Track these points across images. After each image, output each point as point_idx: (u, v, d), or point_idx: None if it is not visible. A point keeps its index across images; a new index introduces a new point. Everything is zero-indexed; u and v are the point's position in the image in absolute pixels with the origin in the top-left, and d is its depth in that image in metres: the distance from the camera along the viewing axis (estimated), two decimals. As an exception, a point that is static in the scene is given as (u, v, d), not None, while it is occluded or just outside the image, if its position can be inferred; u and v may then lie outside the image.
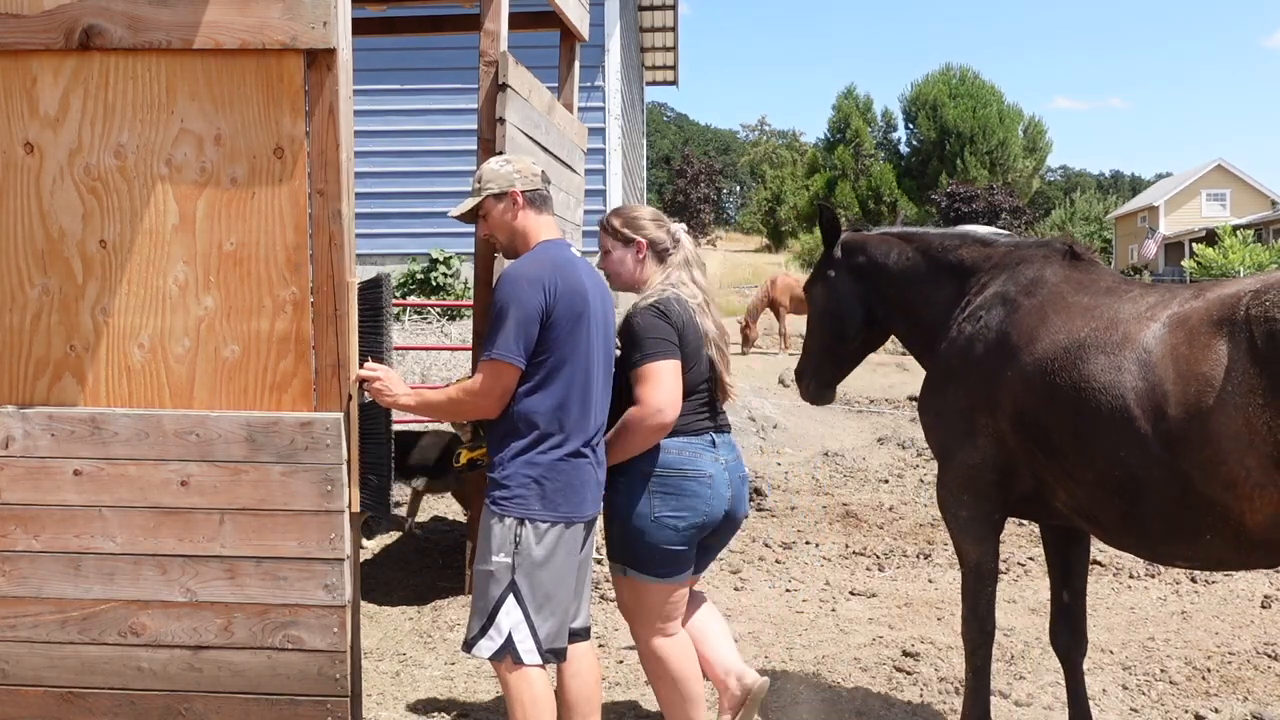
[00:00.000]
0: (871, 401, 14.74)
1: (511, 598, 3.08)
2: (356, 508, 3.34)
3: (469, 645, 3.16)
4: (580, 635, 3.35)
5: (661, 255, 3.49)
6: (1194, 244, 38.09)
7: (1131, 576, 6.13)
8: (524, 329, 3.07)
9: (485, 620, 3.11)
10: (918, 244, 4.05)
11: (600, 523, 3.41)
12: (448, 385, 3.44)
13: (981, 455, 3.51)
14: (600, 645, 4.81)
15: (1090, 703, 4.33)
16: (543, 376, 3.11)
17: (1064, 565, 3.81)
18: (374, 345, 3.39)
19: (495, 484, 3.14)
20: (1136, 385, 3.07)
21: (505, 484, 3.12)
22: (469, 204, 3.34)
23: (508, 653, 3.09)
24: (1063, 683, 4.55)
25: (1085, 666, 4.70)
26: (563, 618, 3.19)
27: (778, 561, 6.56)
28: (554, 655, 3.17)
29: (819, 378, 4.32)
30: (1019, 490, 3.53)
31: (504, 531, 3.10)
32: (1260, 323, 2.89)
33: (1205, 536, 3.07)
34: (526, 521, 3.09)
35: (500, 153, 4.41)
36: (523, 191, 3.27)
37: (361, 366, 3.35)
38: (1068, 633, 3.82)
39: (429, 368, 11.27)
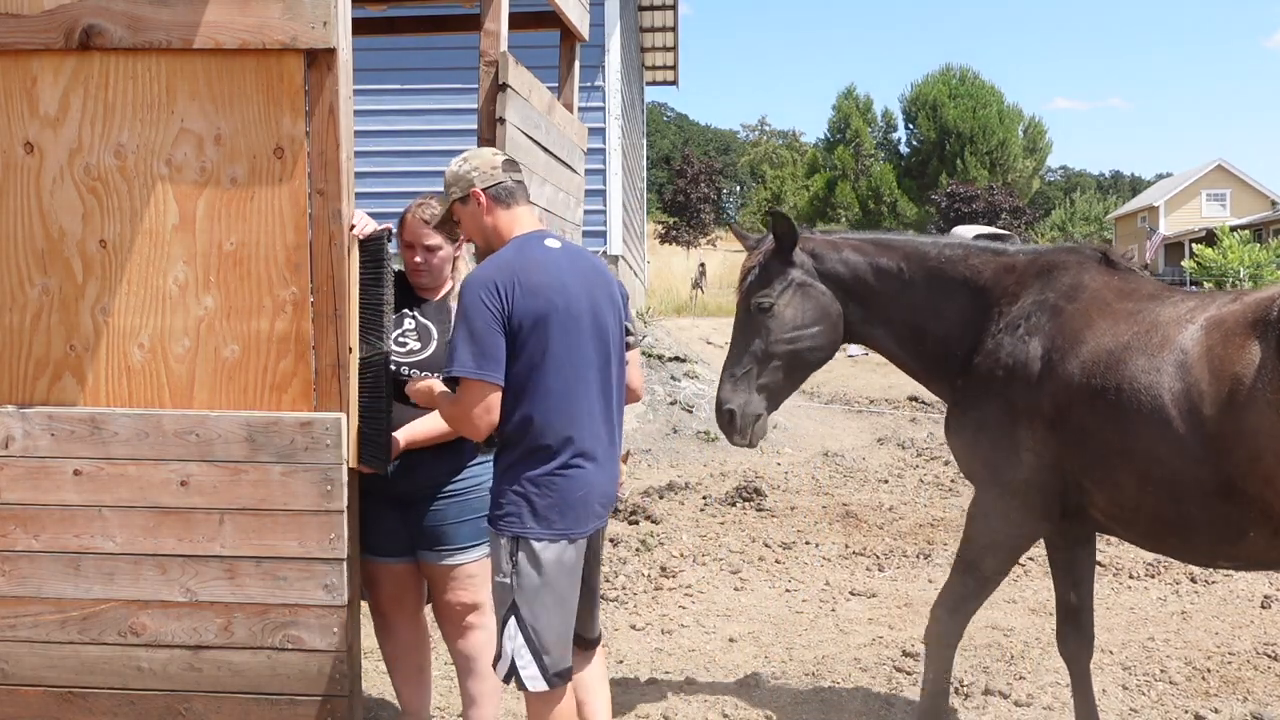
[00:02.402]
0: (871, 401, 14.74)
1: (513, 620, 2.95)
2: (355, 463, 3.32)
3: (494, 665, 3.08)
4: (591, 644, 3.28)
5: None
6: (1194, 244, 38.10)
7: (1131, 577, 6.13)
8: (480, 339, 2.86)
9: (498, 640, 3.02)
10: (906, 252, 3.83)
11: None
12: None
13: (1027, 469, 3.44)
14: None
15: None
16: (519, 386, 2.92)
17: (1072, 568, 3.78)
18: (374, 298, 3.34)
19: (491, 500, 3.02)
20: (1174, 386, 3.12)
21: (499, 501, 2.97)
22: (440, 214, 3.20)
23: (512, 677, 2.97)
24: (1063, 682, 4.55)
25: (1085, 667, 4.71)
26: (566, 639, 3.04)
27: (778, 561, 6.56)
28: (559, 679, 3.01)
29: (768, 408, 3.80)
30: (1061, 503, 3.47)
31: (500, 551, 2.97)
32: None
33: (1249, 534, 3.10)
34: (521, 540, 2.93)
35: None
36: (484, 189, 3.06)
37: (363, 325, 3.30)
38: (1076, 635, 3.79)
39: (429, 368, 11.25)
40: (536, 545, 2.93)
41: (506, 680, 3.00)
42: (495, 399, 2.90)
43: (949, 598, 3.65)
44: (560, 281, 2.97)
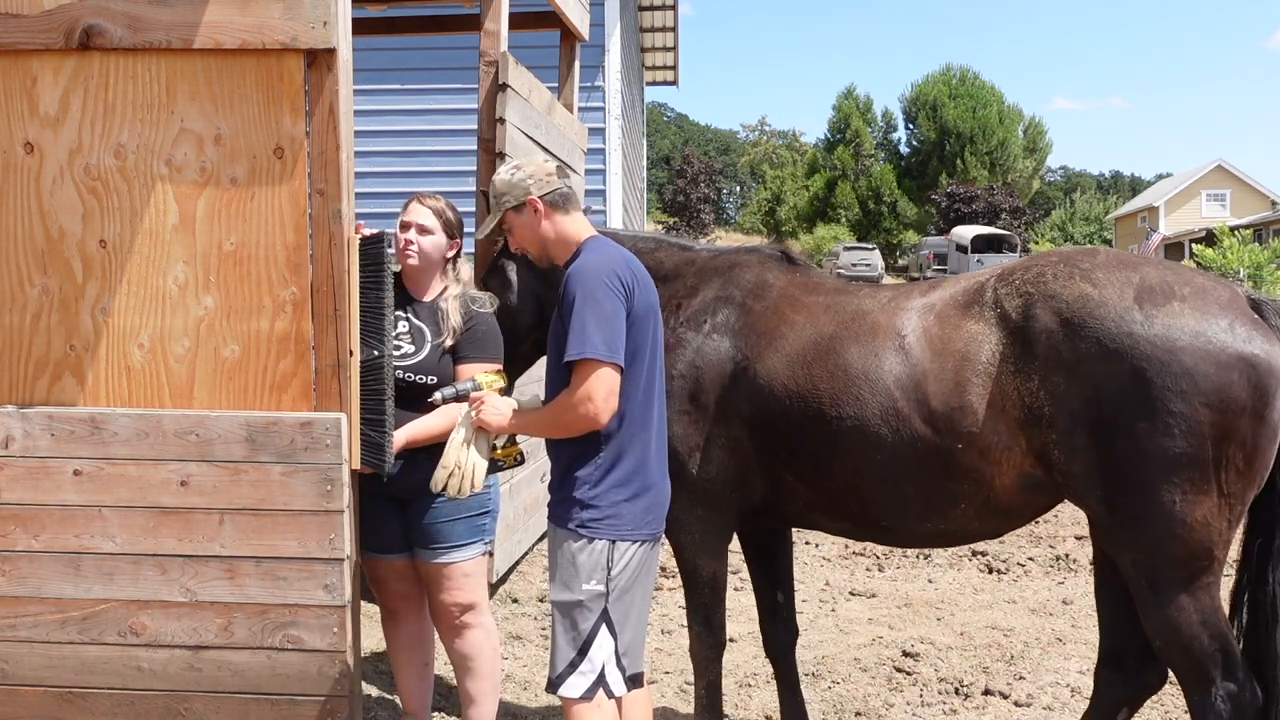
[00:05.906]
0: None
1: (604, 628, 2.85)
2: (357, 464, 3.32)
3: (556, 684, 2.88)
4: None
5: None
6: (1194, 244, 38.12)
7: (1131, 577, 6.12)
8: (609, 323, 2.79)
9: (576, 655, 2.85)
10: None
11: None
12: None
13: (716, 467, 3.35)
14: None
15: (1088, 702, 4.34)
16: (629, 385, 2.86)
17: (773, 567, 3.77)
18: (375, 300, 3.34)
19: (581, 504, 2.87)
20: (895, 369, 3.14)
21: (595, 504, 2.86)
22: (490, 224, 3.12)
23: (599, 687, 2.84)
24: (1063, 683, 4.56)
25: (1083, 667, 4.72)
26: (641, 642, 2.99)
27: (777, 561, 6.55)
28: (633, 683, 2.95)
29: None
30: (753, 499, 3.42)
31: (595, 557, 2.84)
32: (1012, 298, 3.06)
33: (960, 506, 3.16)
34: (617, 543, 2.86)
35: (501, 154, 4.40)
36: (541, 196, 3.02)
37: (363, 328, 3.29)
38: (785, 632, 3.78)
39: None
40: (630, 547, 2.88)
41: (592, 693, 2.85)
42: (618, 385, 2.82)
43: (695, 612, 3.52)
44: (649, 282, 3.01)
